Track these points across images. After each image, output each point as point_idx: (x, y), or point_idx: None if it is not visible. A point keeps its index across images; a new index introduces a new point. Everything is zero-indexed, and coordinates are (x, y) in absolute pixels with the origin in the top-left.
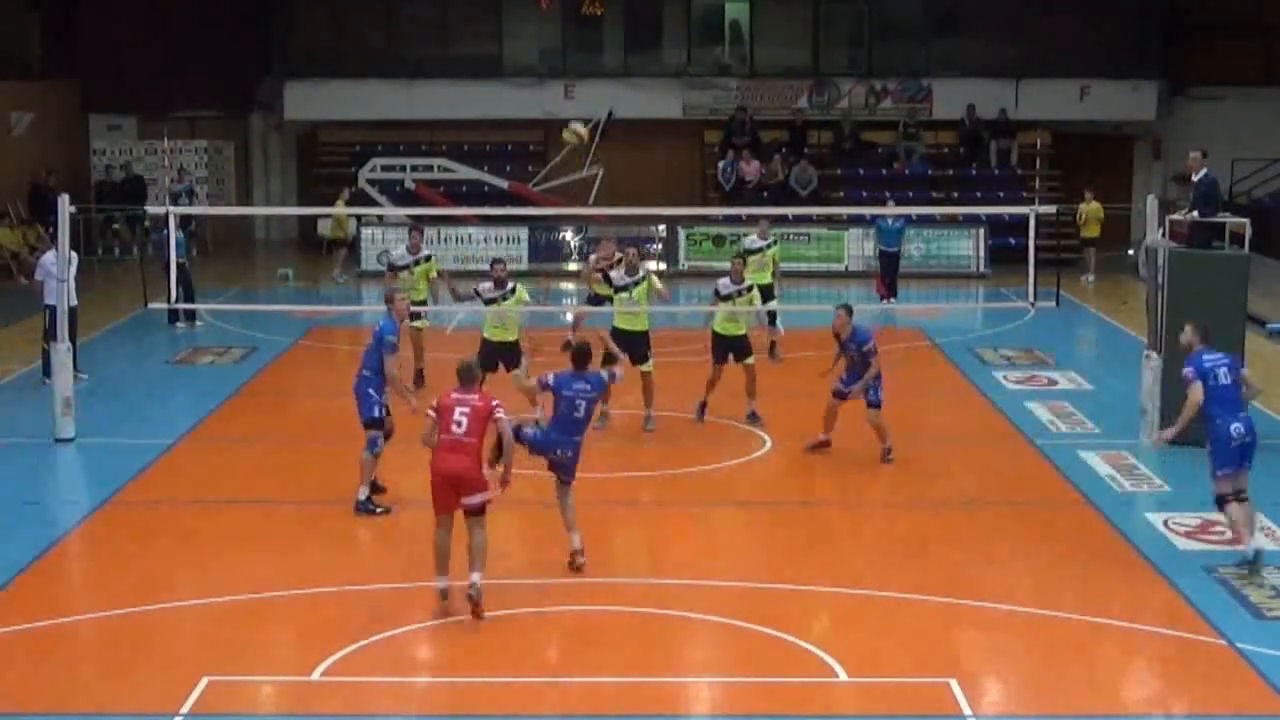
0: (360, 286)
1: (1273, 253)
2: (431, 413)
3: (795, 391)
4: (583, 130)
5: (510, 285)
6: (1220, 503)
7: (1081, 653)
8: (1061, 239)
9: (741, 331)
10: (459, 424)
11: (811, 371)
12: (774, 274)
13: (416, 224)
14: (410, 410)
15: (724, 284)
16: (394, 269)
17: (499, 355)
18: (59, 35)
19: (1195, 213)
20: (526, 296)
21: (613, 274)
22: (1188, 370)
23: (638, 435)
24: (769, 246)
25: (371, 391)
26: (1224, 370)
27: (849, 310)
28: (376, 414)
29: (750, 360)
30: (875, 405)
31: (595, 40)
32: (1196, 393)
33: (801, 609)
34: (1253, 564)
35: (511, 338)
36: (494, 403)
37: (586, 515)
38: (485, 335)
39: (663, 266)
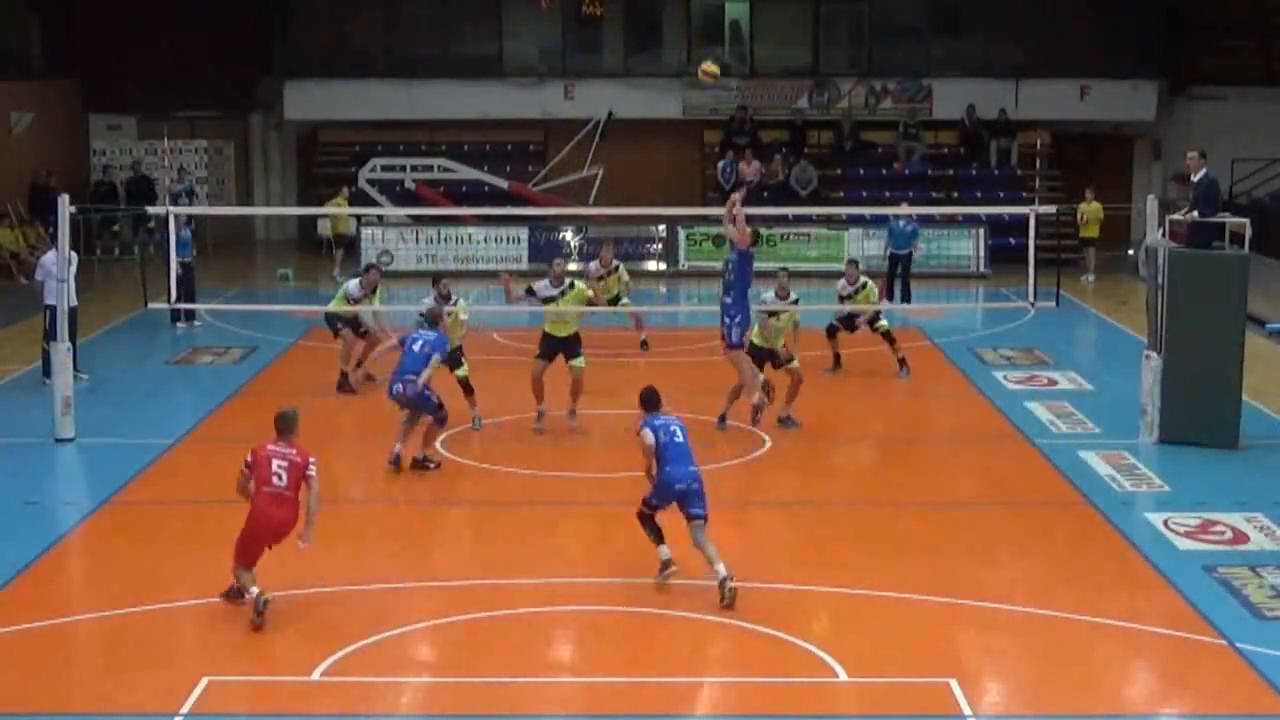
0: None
1: (1273, 253)
2: (246, 466)
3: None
4: (714, 69)
5: (568, 282)
6: None
7: (1081, 653)
8: (1062, 239)
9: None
10: (278, 476)
11: (812, 371)
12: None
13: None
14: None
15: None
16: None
17: (559, 348)
18: (59, 35)
19: (1195, 213)
20: (589, 292)
21: (537, 285)
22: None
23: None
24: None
25: (427, 392)
26: None
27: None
28: (438, 401)
29: (794, 365)
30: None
31: (595, 40)
32: None
33: (801, 609)
34: None
35: (570, 331)
36: (310, 459)
37: (587, 515)
38: (546, 330)
39: (662, 267)
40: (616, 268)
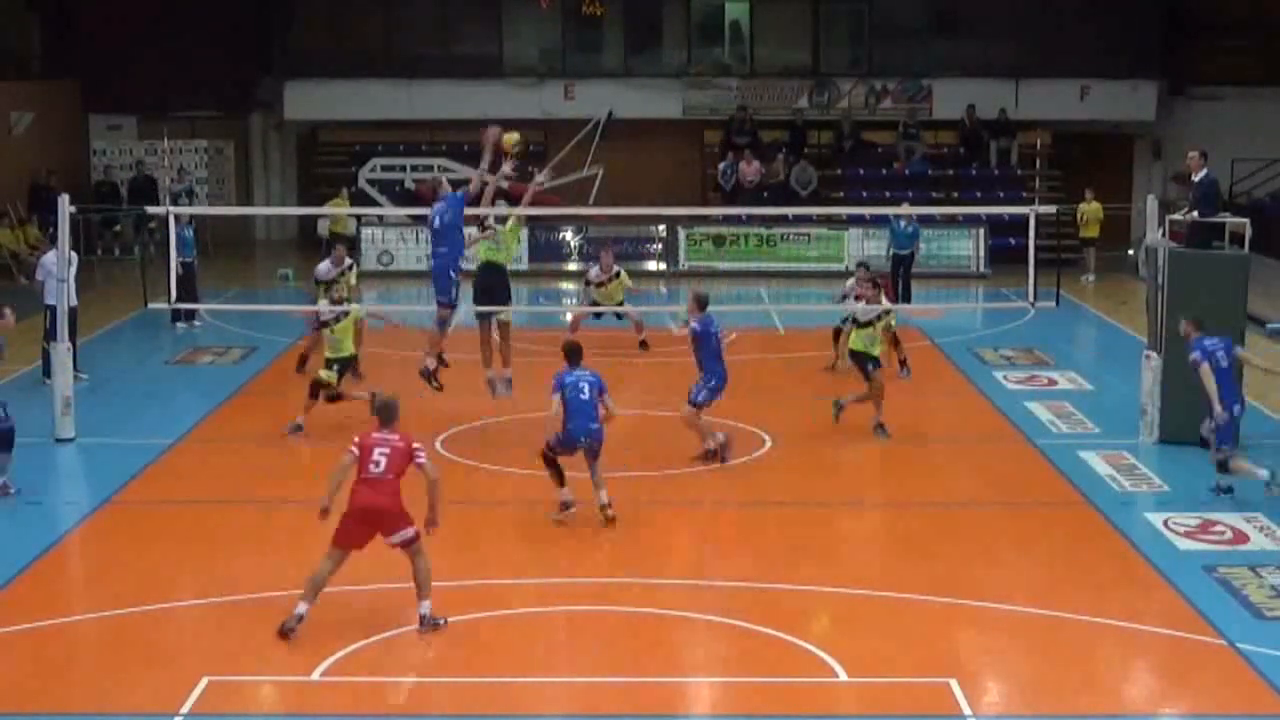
0: (360, 287)
1: (1273, 253)
2: (353, 449)
3: (796, 392)
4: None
5: (615, 270)
6: (1222, 468)
7: (1081, 653)
8: (1062, 239)
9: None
10: (376, 463)
11: (812, 371)
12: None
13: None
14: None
15: (861, 309)
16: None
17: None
18: (59, 35)
19: (1195, 213)
20: (628, 281)
21: (590, 274)
22: (1195, 356)
23: (636, 436)
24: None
25: (452, 273)
26: (1220, 353)
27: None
28: (453, 296)
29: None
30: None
31: (595, 40)
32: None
33: (801, 609)
34: (1270, 480)
35: (615, 301)
36: (415, 444)
37: (586, 515)
38: (597, 300)
39: (663, 267)
40: (618, 273)
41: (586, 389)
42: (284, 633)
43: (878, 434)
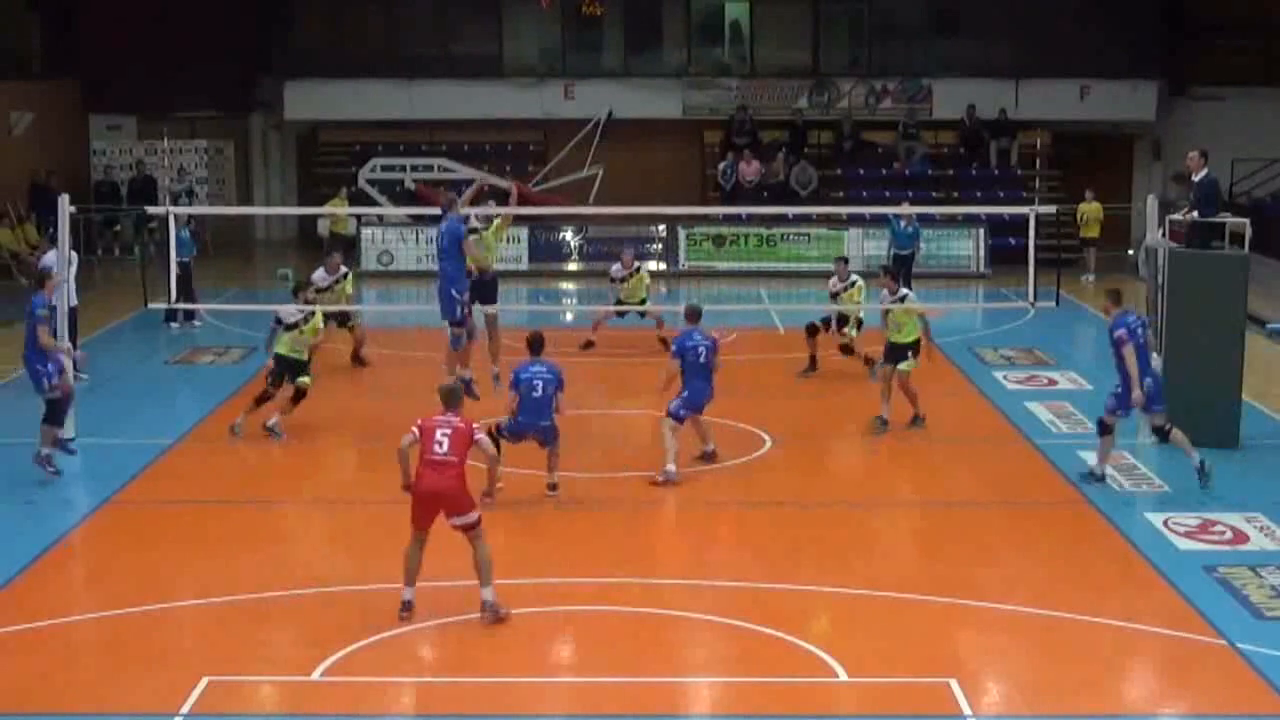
0: (360, 287)
1: (1273, 253)
2: (415, 430)
3: (796, 392)
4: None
5: (636, 266)
6: (1162, 435)
7: (1081, 653)
8: (1062, 239)
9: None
10: (439, 444)
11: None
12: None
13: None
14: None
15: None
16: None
17: (628, 310)
18: (59, 35)
19: (1195, 213)
20: (648, 278)
21: (613, 270)
22: (1120, 332)
23: (636, 436)
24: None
25: (454, 293)
26: (1141, 330)
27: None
28: (459, 314)
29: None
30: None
31: (595, 40)
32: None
33: (801, 609)
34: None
35: (638, 298)
36: (474, 425)
37: (587, 515)
38: (621, 298)
39: (662, 267)
40: (638, 269)
41: (541, 387)
42: (402, 617)
43: (878, 426)
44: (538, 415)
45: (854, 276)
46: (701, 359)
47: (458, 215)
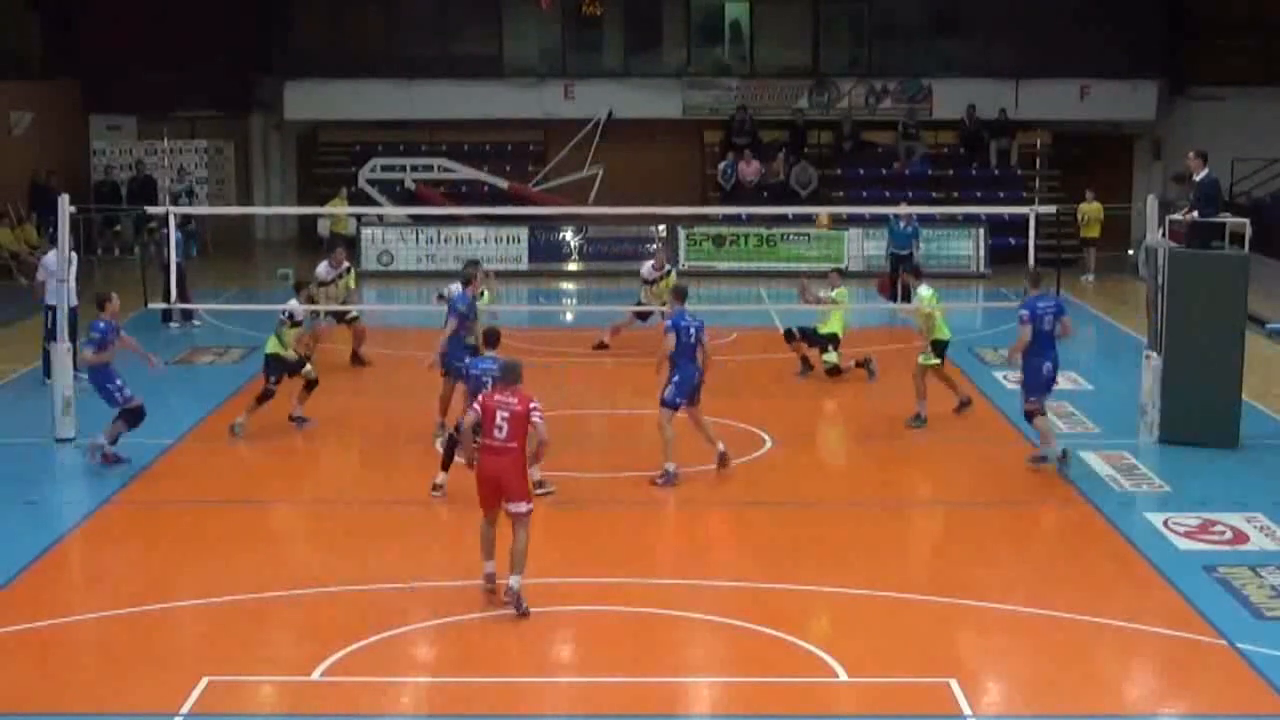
0: (361, 286)
1: (1273, 253)
2: (475, 408)
3: (796, 392)
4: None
5: (667, 269)
6: (1030, 417)
7: (1081, 653)
8: (1062, 239)
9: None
10: (500, 428)
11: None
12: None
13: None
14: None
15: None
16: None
17: (651, 312)
18: (59, 35)
19: (1195, 213)
20: (674, 279)
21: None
22: (1023, 312)
23: (637, 436)
24: (665, 277)
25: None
26: (1049, 317)
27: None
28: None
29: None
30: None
31: (595, 40)
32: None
33: (801, 609)
34: (1063, 459)
35: (661, 300)
36: (532, 404)
37: (587, 515)
38: (640, 298)
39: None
40: (669, 271)
41: (490, 383)
42: (486, 590)
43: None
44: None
45: (842, 287)
46: (693, 339)
47: (462, 292)
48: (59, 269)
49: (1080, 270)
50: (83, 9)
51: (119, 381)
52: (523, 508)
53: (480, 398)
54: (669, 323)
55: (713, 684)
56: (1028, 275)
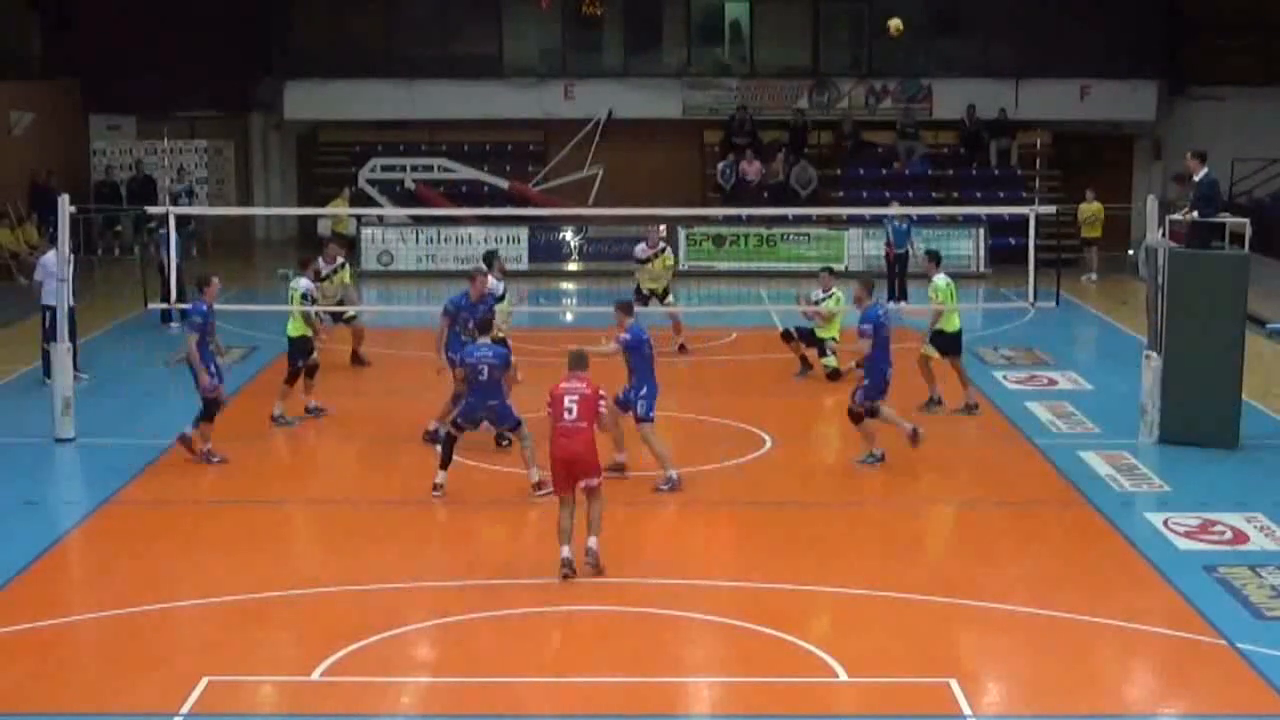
0: (361, 287)
1: (1273, 253)
2: (548, 405)
3: (796, 392)
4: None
5: (662, 246)
6: (872, 413)
7: (1081, 653)
8: (1062, 239)
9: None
10: (569, 410)
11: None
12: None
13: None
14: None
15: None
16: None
17: (650, 296)
18: (59, 35)
19: (1195, 213)
20: (671, 261)
21: (636, 249)
22: (865, 326)
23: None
24: (658, 255)
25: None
26: (885, 322)
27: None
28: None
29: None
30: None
31: (595, 40)
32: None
33: (801, 609)
34: (914, 436)
35: (662, 285)
36: (600, 390)
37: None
38: (639, 283)
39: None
40: (663, 249)
41: (487, 370)
42: (564, 576)
43: (970, 411)
44: (485, 396)
45: (835, 289)
46: (650, 352)
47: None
48: (58, 269)
49: (1081, 270)
50: (83, 9)
51: (212, 367)
52: (595, 481)
53: (551, 388)
54: (629, 336)
55: (713, 684)
56: (862, 285)
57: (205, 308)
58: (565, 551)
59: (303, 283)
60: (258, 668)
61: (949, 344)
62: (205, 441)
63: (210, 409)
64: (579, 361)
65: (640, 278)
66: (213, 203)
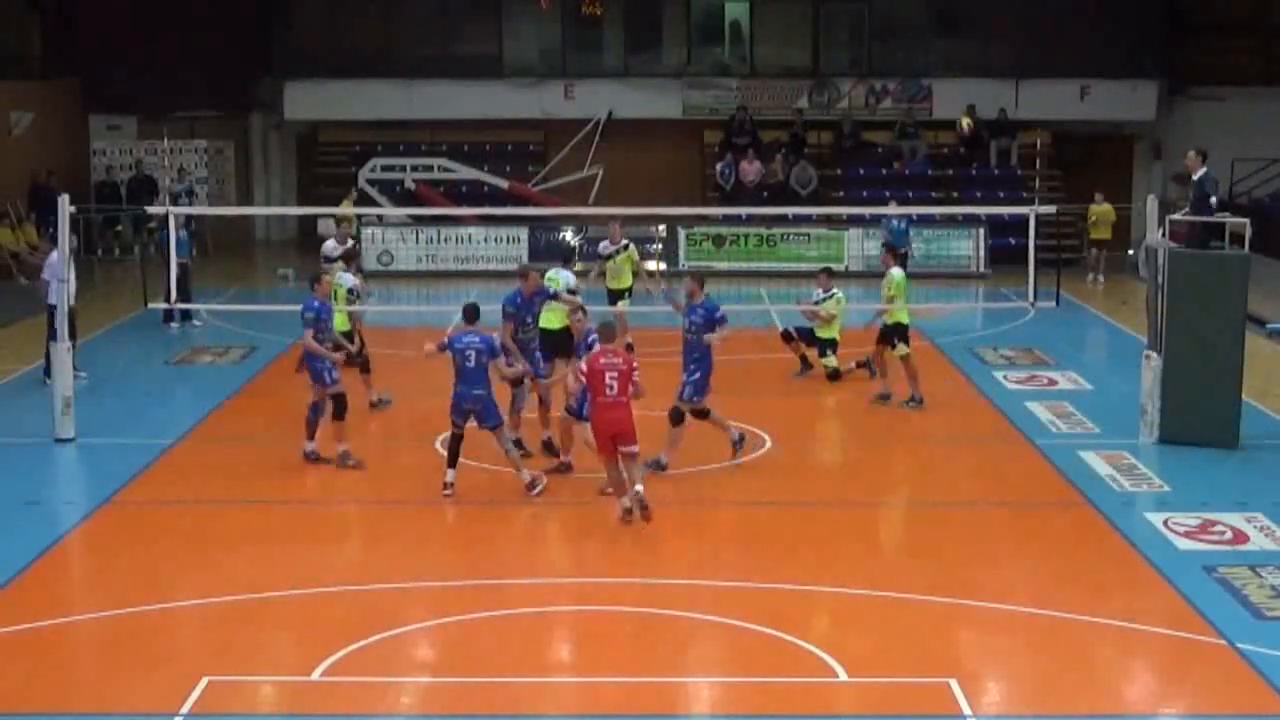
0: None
1: (1273, 253)
2: (581, 372)
3: (796, 391)
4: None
5: (625, 242)
6: (700, 414)
7: (1081, 653)
8: (1062, 239)
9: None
10: (610, 386)
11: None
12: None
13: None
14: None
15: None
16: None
17: (617, 298)
18: (59, 35)
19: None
20: (636, 257)
21: (601, 246)
22: (721, 313)
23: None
24: (621, 251)
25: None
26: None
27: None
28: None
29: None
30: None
31: (595, 40)
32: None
33: (801, 609)
34: (737, 444)
35: (625, 285)
36: (633, 364)
37: (587, 515)
38: (606, 284)
39: (663, 266)
40: (627, 245)
41: (474, 357)
42: (625, 520)
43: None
44: (472, 384)
45: (835, 290)
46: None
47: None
48: (59, 269)
49: (1084, 271)
50: (83, 9)
51: (329, 361)
52: (634, 449)
53: (588, 361)
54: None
55: (713, 684)
56: (694, 279)
57: (317, 304)
58: (624, 502)
59: (347, 278)
60: (258, 668)
61: (898, 336)
62: (344, 442)
63: (340, 406)
64: (610, 331)
65: (603, 270)
66: (213, 203)
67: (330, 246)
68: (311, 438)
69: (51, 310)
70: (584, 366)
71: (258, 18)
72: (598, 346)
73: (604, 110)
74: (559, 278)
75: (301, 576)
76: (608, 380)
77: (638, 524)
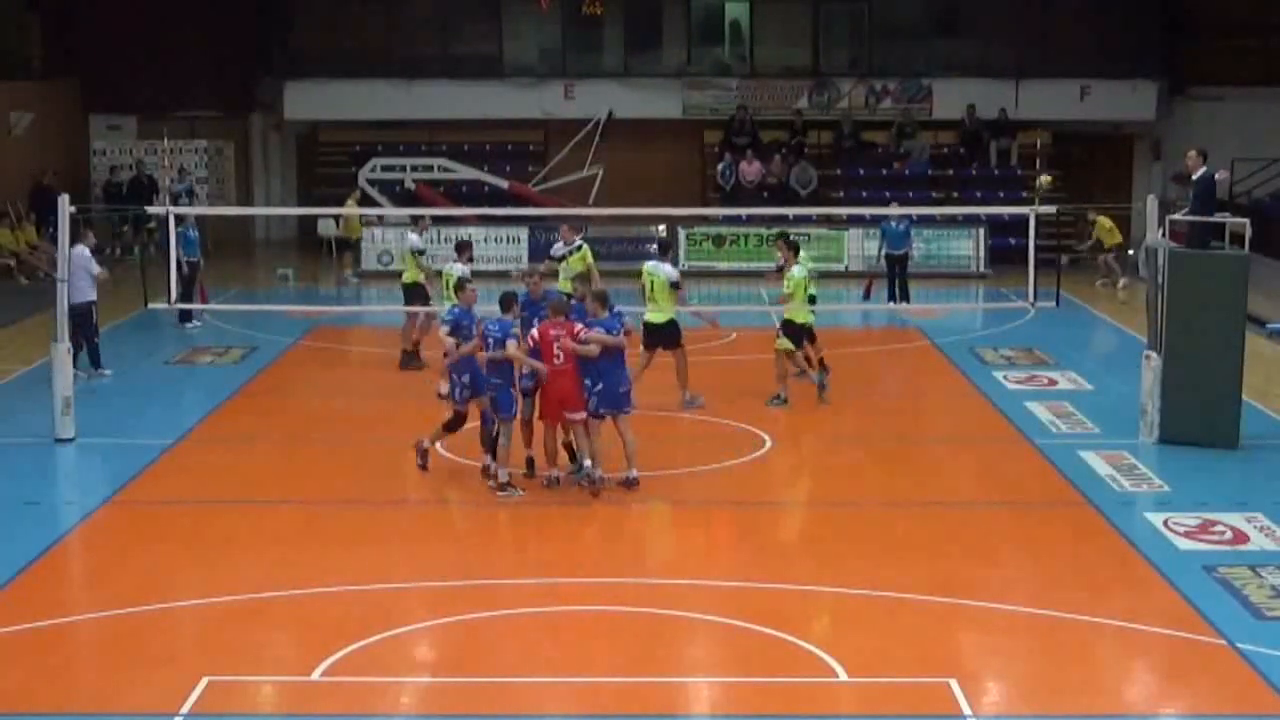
0: (362, 286)
1: (1273, 253)
2: (530, 340)
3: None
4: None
5: (577, 243)
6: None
7: (1081, 653)
8: (1062, 239)
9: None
10: (558, 356)
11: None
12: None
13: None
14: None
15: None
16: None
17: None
18: (59, 35)
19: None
20: (590, 257)
21: (554, 248)
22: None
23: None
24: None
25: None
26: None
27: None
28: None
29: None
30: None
31: (595, 40)
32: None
33: (801, 609)
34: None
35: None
36: (579, 330)
37: (587, 514)
38: (559, 286)
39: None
40: (579, 246)
41: (491, 344)
42: (547, 485)
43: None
44: (491, 372)
45: (798, 263)
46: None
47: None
48: (60, 269)
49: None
50: (83, 9)
51: (466, 379)
52: (579, 416)
53: (540, 329)
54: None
55: (713, 684)
56: (594, 298)
57: (459, 311)
58: (554, 472)
59: (413, 238)
60: (258, 668)
61: (799, 334)
62: (430, 440)
63: (457, 420)
64: (561, 308)
65: (560, 279)
66: (213, 203)
67: (415, 241)
68: (491, 454)
69: (82, 306)
70: (535, 334)
71: (258, 18)
72: (580, 321)
73: (604, 110)
74: (412, 242)
75: (301, 576)
76: (555, 351)
77: (632, 522)
